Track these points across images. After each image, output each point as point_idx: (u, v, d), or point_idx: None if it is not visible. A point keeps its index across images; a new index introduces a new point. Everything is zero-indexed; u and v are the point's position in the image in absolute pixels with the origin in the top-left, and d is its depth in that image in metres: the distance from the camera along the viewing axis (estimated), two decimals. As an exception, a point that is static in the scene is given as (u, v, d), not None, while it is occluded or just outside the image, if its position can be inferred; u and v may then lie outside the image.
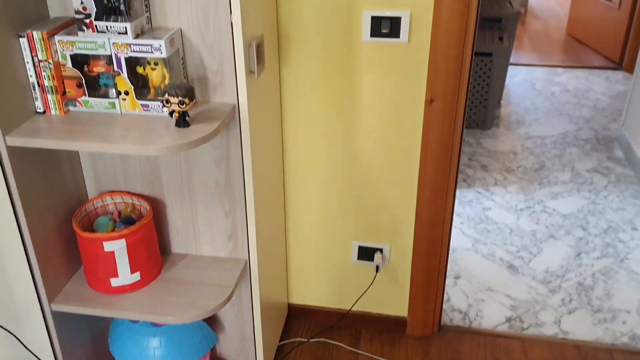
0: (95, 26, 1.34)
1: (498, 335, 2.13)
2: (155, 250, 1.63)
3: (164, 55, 1.33)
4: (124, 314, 1.53)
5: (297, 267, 2.11)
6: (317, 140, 1.86)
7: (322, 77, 1.75)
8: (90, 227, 1.63)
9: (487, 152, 3.42)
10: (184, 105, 1.29)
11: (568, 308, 2.26)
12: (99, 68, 1.38)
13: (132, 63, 1.36)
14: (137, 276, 1.58)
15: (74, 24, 1.42)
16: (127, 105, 1.42)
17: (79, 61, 1.38)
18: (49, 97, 1.41)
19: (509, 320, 2.21)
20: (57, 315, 1.58)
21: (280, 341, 2.12)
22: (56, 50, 1.37)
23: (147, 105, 1.41)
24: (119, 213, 1.66)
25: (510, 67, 4.50)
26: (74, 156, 1.61)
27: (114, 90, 1.41)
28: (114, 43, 1.34)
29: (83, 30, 1.35)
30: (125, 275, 1.56)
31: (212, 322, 1.85)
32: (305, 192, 1.96)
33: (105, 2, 1.30)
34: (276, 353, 2.06)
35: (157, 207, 1.68)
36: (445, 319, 2.22)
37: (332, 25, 1.67)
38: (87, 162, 1.64)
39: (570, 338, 2.13)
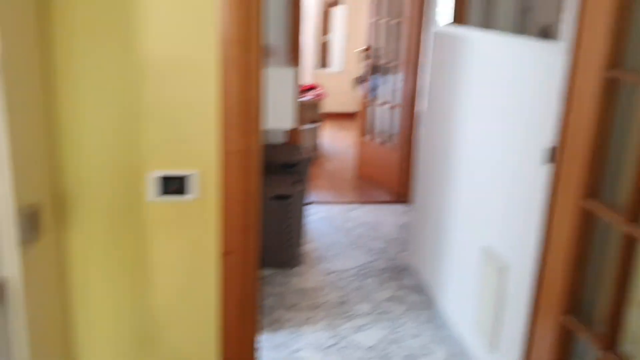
0: None
1: None
2: None
3: None
4: None
5: None
6: (108, 307, 1.75)
7: (108, 239, 1.69)
8: None
9: (295, 291, 3.50)
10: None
11: None
12: None
13: None
14: None
15: None
16: None
17: None
18: None
19: None
20: None
21: None
22: None
23: None
24: None
25: (311, 206, 4.81)
26: None
27: None
28: None
29: None
30: None
31: None
32: (97, 362, 1.79)
33: None
34: None
35: None
36: None
37: (116, 186, 1.65)
38: None
39: None
